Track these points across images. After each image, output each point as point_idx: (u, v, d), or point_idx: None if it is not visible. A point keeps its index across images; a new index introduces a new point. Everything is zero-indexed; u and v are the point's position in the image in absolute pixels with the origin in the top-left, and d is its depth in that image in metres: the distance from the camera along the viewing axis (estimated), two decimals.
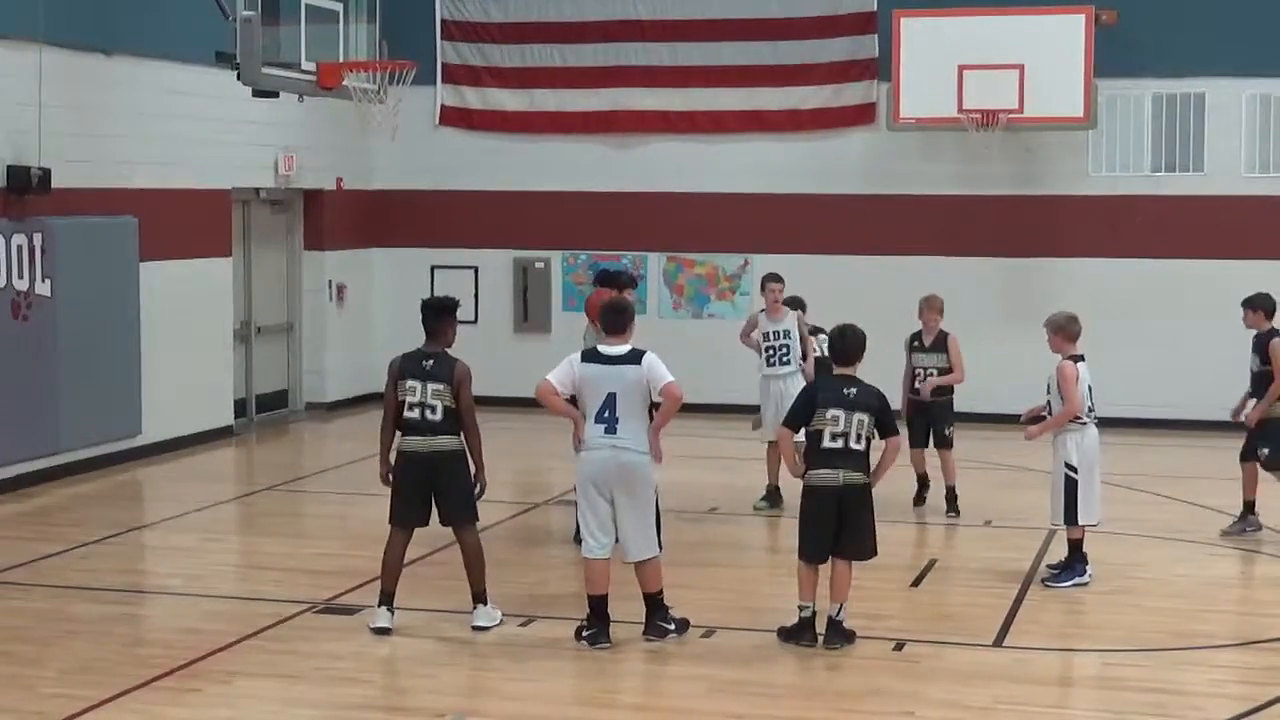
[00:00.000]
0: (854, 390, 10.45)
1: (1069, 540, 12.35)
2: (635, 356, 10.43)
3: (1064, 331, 12.35)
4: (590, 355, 10.59)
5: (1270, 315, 14.06)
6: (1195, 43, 20.11)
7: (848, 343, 10.70)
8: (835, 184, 21.33)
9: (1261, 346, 13.95)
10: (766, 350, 15.09)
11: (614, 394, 10.33)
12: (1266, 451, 13.86)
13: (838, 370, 10.73)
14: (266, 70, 16.11)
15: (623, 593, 10.64)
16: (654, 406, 10.60)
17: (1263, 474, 14.01)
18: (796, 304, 15.22)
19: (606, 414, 10.34)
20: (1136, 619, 11.41)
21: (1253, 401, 14.11)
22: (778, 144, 21.59)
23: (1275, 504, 14.28)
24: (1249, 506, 14.12)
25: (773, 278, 15.23)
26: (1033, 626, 11.21)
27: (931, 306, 15.03)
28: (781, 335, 14.96)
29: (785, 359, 14.89)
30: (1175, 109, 20.54)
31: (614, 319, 10.64)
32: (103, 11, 17.02)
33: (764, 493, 15.10)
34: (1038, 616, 11.49)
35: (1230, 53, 20.04)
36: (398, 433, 10.79)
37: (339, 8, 17.44)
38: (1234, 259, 20.15)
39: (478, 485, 10.85)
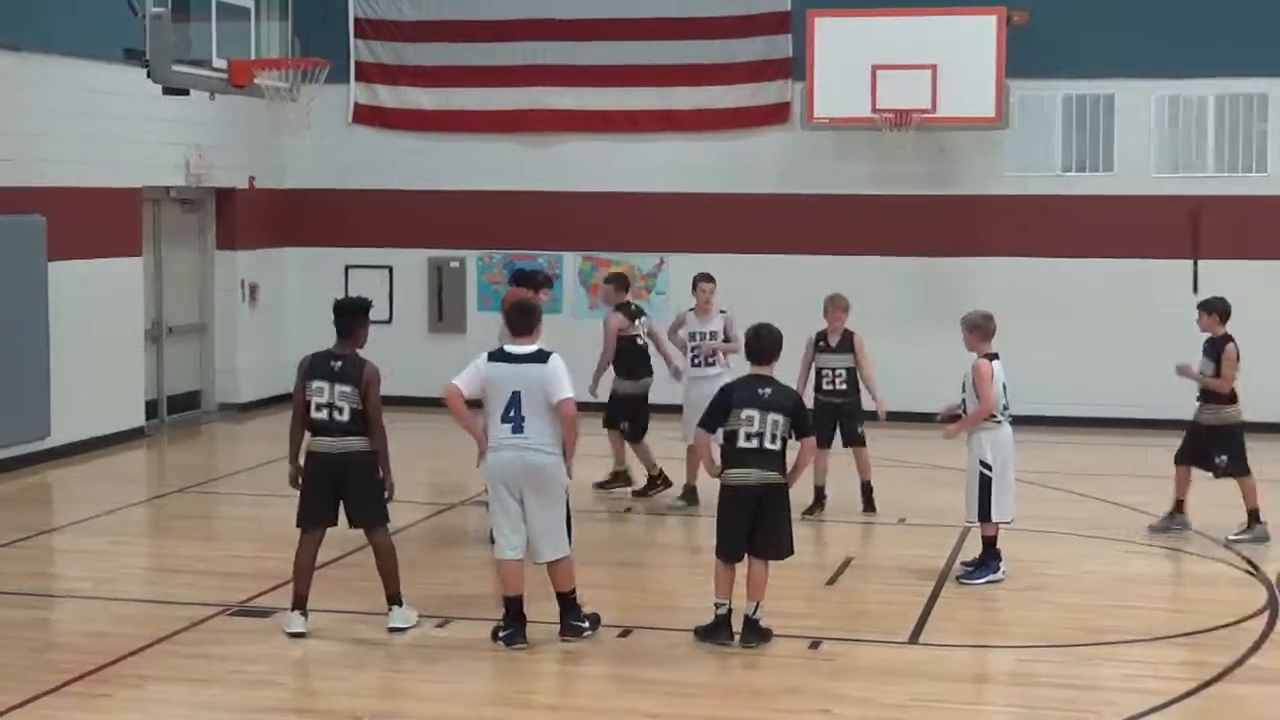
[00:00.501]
0: (769, 390, 10.47)
1: (983, 537, 12.42)
2: (542, 356, 10.42)
3: (979, 330, 12.42)
4: (496, 355, 10.55)
5: (1225, 320, 14.05)
6: (1106, 44, 20.29)
7: (764, 342, 10.72)
8: (750, 183, 21.38)
9: (1215, 351, 13.92)
10: (693, 350, 15.10)
11: (519, 393, 10.29)
12: (1225, 459, 13.88)
13: (753, 370, 10.74)
14: (177, 68, 15.96)
15: (538, 593, 10.60)
16: None
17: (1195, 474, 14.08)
18: (708, 279, 15.30)
19: (512, 413, 10.30)
20: (1050, 615, 11.50)
21: (1200, 405, 14.13)
22: (692, 143, 21.60)
23: (1191, 502, 14.41)
24: (1179, 506, 14.18)
25: (704, 277, 15.26)
26: (948, 624, 11.27)
27: (837, 305, 14.92)
28: (709, 336, 14.95)
29: (710, 360, 14.88)
30: (1086, 109, 20.72)
31: (520, 319, 10.62)
32: (12, 8, 16.77)
33: (681, 491, 15.09)
34: (953, 613, 11.55)
35: (1140, 54, 20.23)
36: (307, 434, 10.70)
37: (250, 5, 17.30)
38: (1143, 258, 20.40)
39: (385, 487, 10.78)
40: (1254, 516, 13.86)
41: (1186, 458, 14.14)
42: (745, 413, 10.40)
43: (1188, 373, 14.06)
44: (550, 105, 21.94)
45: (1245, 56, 19.98)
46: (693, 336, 15.12)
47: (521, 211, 21.97)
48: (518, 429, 10.29)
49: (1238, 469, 13.91)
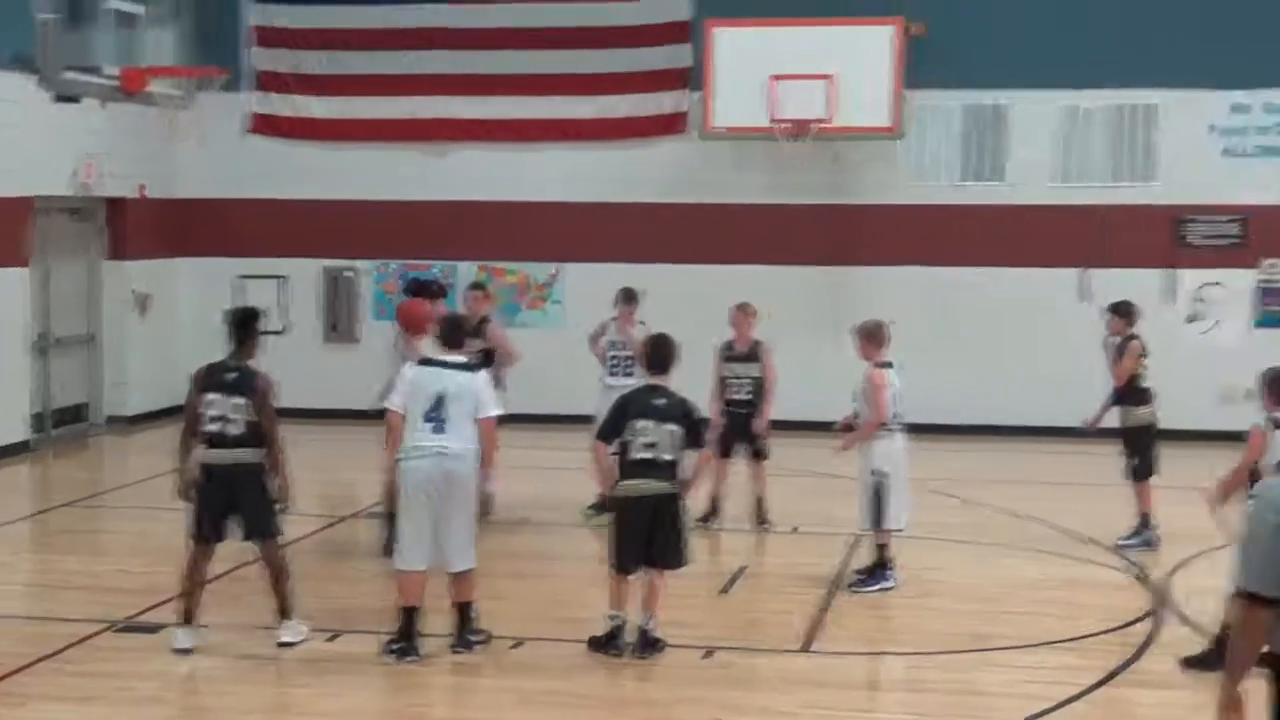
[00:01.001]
0: (664, 401, 10.46)
1: (876, 545, 12.48)
2: (471, 367, 10.57)
3: (872, 339, 12.48)
4: (425, 360, 10.69)
5: (1131, 322, 14.27)
6: (1002, 55, 20.47)
7: (660, 352, 10.72)
8: (647, 193, 21.39)
9: (1118, 349, 14.17)
10: (611, 360, 15.13)
11: (444, 395, 10.30)
12: (1137, 461, 14.01)
13: (649, 380, 10.72)
14: (68, 75, 15.72)
15: (428, 605, 10.51)
16: None
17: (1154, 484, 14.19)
18: (631, 296, 15.24)
19: (435, 413, 10.28)
20: (941, 622, 11.56)
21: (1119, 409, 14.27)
22: (589, 153, 21.58)
23: (1084, 509, 14.55)
24: (1144, 519, 14.18)
25: (630, 296, 15.31)
26: (840, 631, 11.31)
27: (745, 313, 14.94)
28: (628, 346, 14.92)
29: (629, 370, 14.82)
30: (982, 120, 20.90)
31: (452, 333, 10.73)
32: None
33: (594, 499, 14.98)
34: (845, 621, 11.60)
35: (1035, 66, 20.42)
36: (199, 446, 10.57)
37: (143, 11, 17.07)
38: (1039, 266, 20.61)
39: (282, 500, 10.68)
40: (1144, 521, 14.00)
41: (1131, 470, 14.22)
42: (640, 423, 10.38)
43: (1091, 422, 14.25)
44: (447, 114, 21.85)
45: (1138, 68, 20.22)
46: (612, 345, 15.16)
47: (417, 221, 21.86)
48: (439, 429, 10.27)
49: (1140, 472, 14.02)
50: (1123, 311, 14.38)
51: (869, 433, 12.25)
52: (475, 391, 10.39)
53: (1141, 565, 13.29)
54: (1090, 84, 20.45)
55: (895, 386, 12.35)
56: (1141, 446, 14.07)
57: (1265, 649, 5.48)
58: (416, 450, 10.31)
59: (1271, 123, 20.34)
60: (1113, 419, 14.32)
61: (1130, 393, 14.16)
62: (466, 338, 10.93)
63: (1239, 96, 20.34)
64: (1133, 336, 14.22)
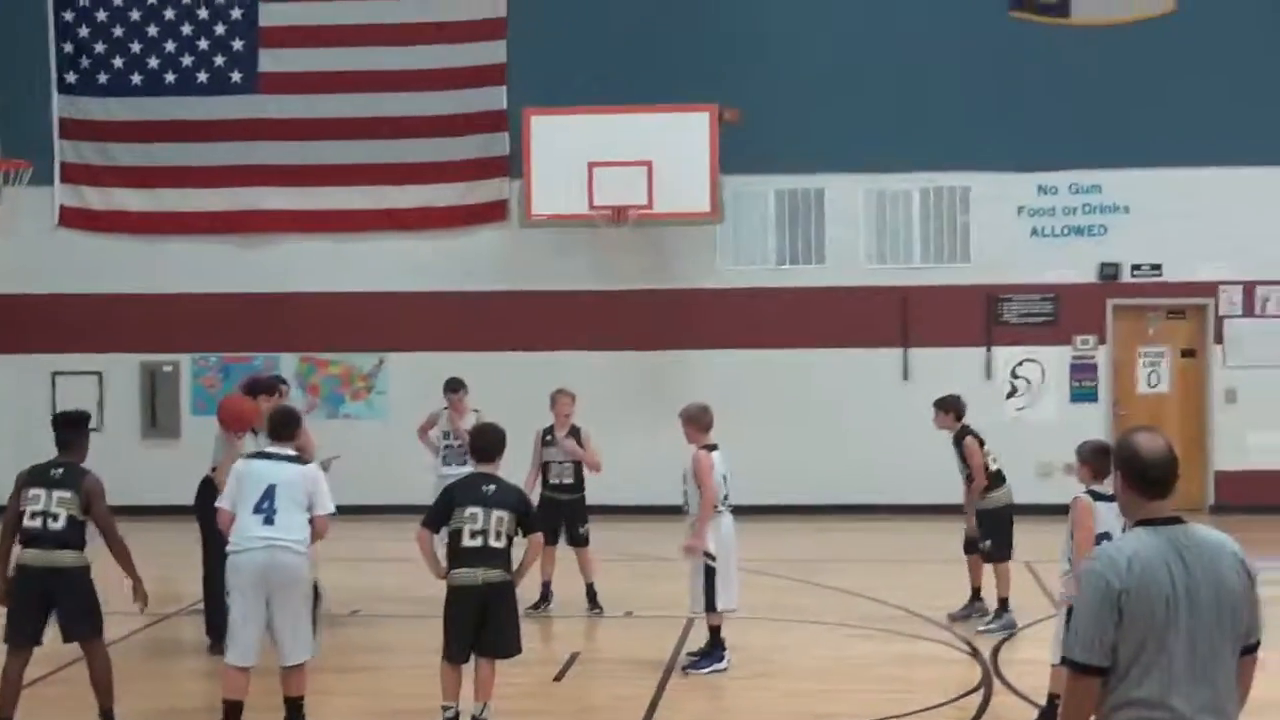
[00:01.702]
0: (493, 487, 10.39)
1: (709, 627, 12.47)
2: (302, 461, 10.51)
3: (697, 422, 12.52)
4: (255, 455, 10.59)
5: (959, 416, 14.23)
6: (815, 140, 20.83)
7: (487, 440, 10.66)
8: (469, 281, 21.35)
9: (959, 448, 14.11)
10: (444, 449, 15.08)
11: (274, 486, 10.17)
12: (989, 543, 13.95)
13: (477, 468, 10.65)
14: None
15: (255, 703, 10.29)
16: None
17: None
18: (459, 385, 15.19)
19: (265, 504, 10.13)
20: (775, 701, 11.57)
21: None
22: (411, 242, 21.52)
23: (913, 584, 14.64)
24: (975, 593, 14.26)
25: (455, 385, 15.19)
26: (675, 714, 11.26)
27: (564, 398, 15.01)
28: (459, 435, 14.81)
29: (463, 459, 14.70)
30: (798, 203, 21.21)
31: (283, 428, 10.60)
32: None
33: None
34: (680, 704, 11.54)
35: (848, 150, 20.80)
36: (16, 546, 10.27)
37: None
38: (857, 347, 20.88)
39: (137, 597, 10.45)
40: (1003, 604, 13.88)
41: (973, 545, 14.22)
42: (469, 510, 10.28)
43: (971, 528, 14.14)
44: (266, 206, 21.66)
45: (948, 151, 20.70)
46: (446, 435, 15.14)
47: (237, 313, 21.59)
48: (269, 520, 10.12)
49: (999, 554, 13.99)
50: (948, 406, 14.35)
51: (706, 517, 12.25)
52: (307, 484, 10.27)
53: (970, 640, 13.43)
54: (902, 167, 20.87)
55: (722, 469, 12.40)
56: (999, 528, 14.01)
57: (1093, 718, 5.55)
58: (247, 542, 10.13)
59: (1078, 203, 20.91)
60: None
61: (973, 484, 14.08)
62: (298, 430, 10.77)
63: (1045, 178, 20.88)
64: (965, 430, 14.19)
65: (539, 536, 10.69)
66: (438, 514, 10.45)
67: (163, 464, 20.49)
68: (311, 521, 10.27)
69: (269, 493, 10.16)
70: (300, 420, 10.92)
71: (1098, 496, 10.25)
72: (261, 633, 10.18)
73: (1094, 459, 10.51)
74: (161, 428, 21.71)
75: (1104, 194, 20.86)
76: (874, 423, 20.43)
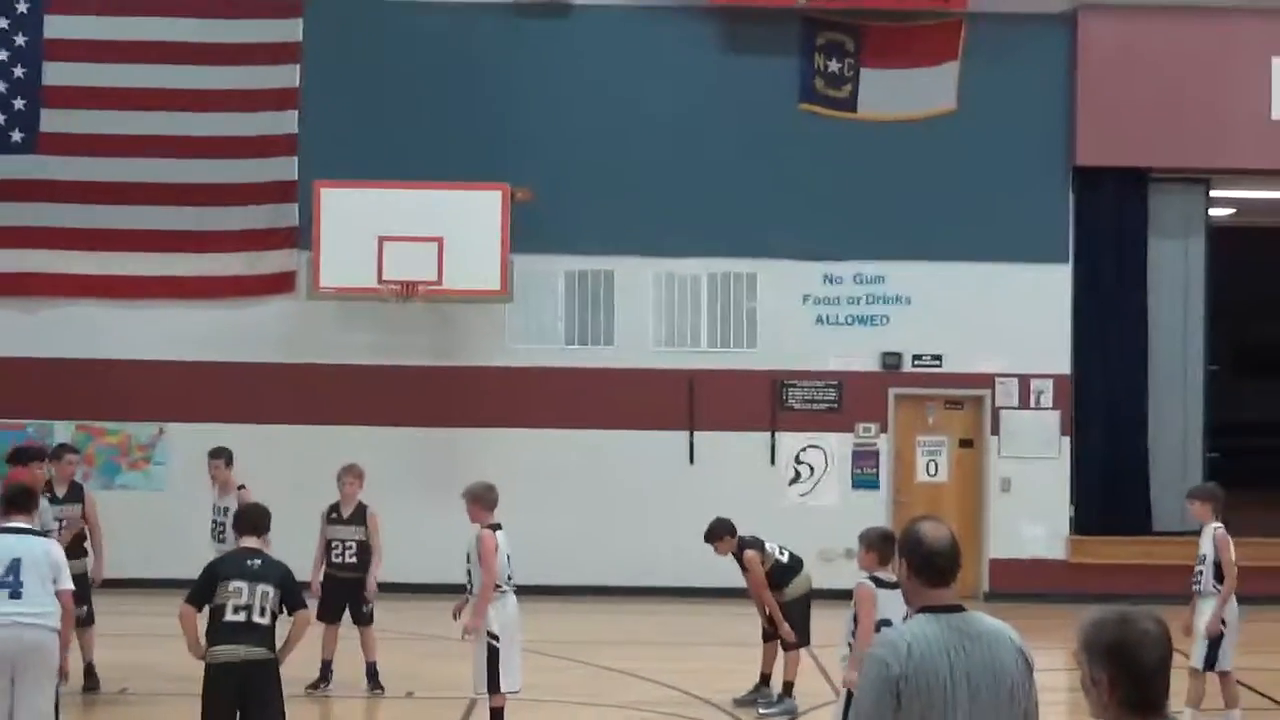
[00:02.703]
0: (258, 562, 10.19)
1: (491, 708, 12.36)
2: (44, 535, 10.31)
3: (481, 500, 12.48)
4: None
5: (732, 536, 14.14)
6: (606, 222, 20.97)
7: (252, 516, 10.52)
8: (254, 352, 21.01)
9: (740, 565, 14.09)
10: (215, 525, 14.75)
11: (19, 560, 9.91)
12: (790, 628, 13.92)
13: (242, 542, 10.45)
14: None
15: None
16: None
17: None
18: (218, 453, 14.95)
19: (10, 579, 9.84)
20: None
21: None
22: (195, 310, 21.10)
23: (695, 667, 14.67)
24: (765, 679, 14.23)
25: (217, 453, 14.95)
26: None
27: (350, 475, 14.86)
28: (226, 512, 14.49)
29: (221, 538, 14.45)
30: (587, 284, 21.31)
31: (23, 499, 10.34)
32: None
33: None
34: None
35: (637, 234, 20.97)
36: None
37: None
38: (643, 429, 20.97)
39: None
40: (788, 688, 13.92)
41: (771, 635, 14.17)
42: (233, 584, 10.04)
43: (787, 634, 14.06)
44: (46, 269, 21.06)
45: (737, 238, 21.00)
46: (214, 510, 14.87)
47: (11, 378, 20.91)
48: (15, 595, 9.83)
49: (797, 641, 13.99)
50: (716, 535, 14.23)
51: (487, 596, 12.17)
52: (50, 558, 10.04)
53: None
54: (691, 252, 21.10)
55: (506, 548, 12.35)
56: (799, 616, 13.99)
57: None
58: None
59: (862, 293, 21.32)
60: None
61: (779, 575, 14.06)
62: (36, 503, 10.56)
63: (831, 268, 21.27)
64: (744, 544, 14.12)
65: (307, 613, 10.51)
66: (201, 589, 10.16)
67: None
68: (58, 595, 10.00)
69: (14, 566, 9.91)
70: (38, 495, 10.67)
71: (880, 583, 10.41)
72: (5, 713, 9.83)
73: (878, 545, 10.69)
74: None
75: (887, 285, 21.29)
76: (660, 505, 20.52)
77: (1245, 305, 28.78)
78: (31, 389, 20.90)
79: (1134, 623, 4.90)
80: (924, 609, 5.78)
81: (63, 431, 20.69)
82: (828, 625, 10.82)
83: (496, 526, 12.39)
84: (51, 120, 21.24)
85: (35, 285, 21.11)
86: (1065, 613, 18.38)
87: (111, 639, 15.14)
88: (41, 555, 10.00)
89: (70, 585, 10.13)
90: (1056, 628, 16.60)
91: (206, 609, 10.14)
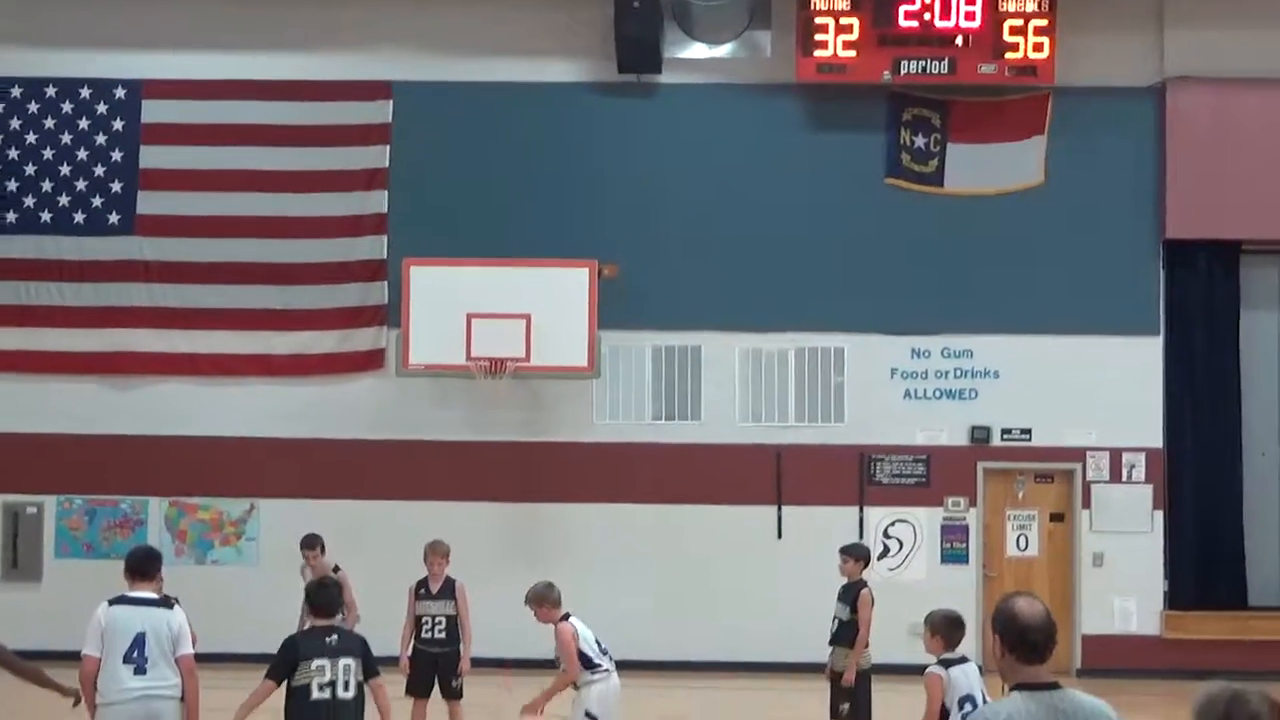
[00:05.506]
0: (335, 637, 10.19)
1: None
2: (166, 603, 10.30)
3: (546, 600, 12.48)
4: (117, 600, 10.28)
5: (865, 564, 14.20)
6: (692, 298, 21.04)
7: (321, 596, 10.53)
8: (343, 429, 21.18)
9: (851, 595, 13.99)
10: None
11: (143, 634, 10.01)
12: (846, 707, 13.81)
13: (316, 623, 10.43)
14: None
15: None
16: None
17: None
18: (313, 542, 15.16)
19: (135, 654, 9.97)
20: None
21: (833, 650, 14.12)
22: (286, 388, 21.32)
23: None
24: None
25: (309, 543, 15.17)
26: None
27: (436, 552, 14.88)
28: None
29: None
30: (674, 359, 21.34)
31: (147, 566, 10.48)
32: None
33: None
34: None
35: (724, 309, 21.03)
36: None
37: None
38: (730, 504, 20.92)
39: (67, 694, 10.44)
40: None
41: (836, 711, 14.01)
42: (316, 663, 10.01)
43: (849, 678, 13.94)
44: (138, 347, 21.38)
45: (823, 312, 21.00)
46: None
47: (104, 455, 21.20)
48: (140, 670, 9.96)
49: (855, 717, 13.89)
50: (859, 554, 14.29)
51: (561, 688, 12.19)
52: (172, 628, 10.11)
53: None
54: (777, 327, 21.12)
55: (585, 633, 12.31)
56: (858, 692, 13.88)
57: None
58: (120, 694, 9.89)
59: (950, 367, 21.24)
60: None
61: (858, 636, 13.93)
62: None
63: (918, 342, 21.21)
64: (864, 583, 14.06)
65: (381, 680, 10.45)
66: (281, 665, 10.12)
67: (25, 607, 19.97)
68: (178, 662, 10.08)
69: (139, 641, 10.00)
70: (161, 559, 10.79)
71: (949, 664, 10.35)
72: None
73: (943, 629, 10.62)
74: (24, 569, 21.20)
75: (975, 359, 21.21)
76: (747, 581, 20.44)
77: None
78: (126, 466, 21.17)
79: (1245, 701, 4.87)
80: (1019, 686, 5.74)
81: (156, 508, 20.95)
82: (914, 702, 10.71)
83: (566, 616, 12.38)
84: (147, 202, 21.61)
85: (130, 364, 21.40)
86: (1160, 689, 18.24)
87: (209, 714, 15.21)
88: (163, 626, 10.13)
89: (189, 650, 10.20)
90: (1152, 704, 16.46)
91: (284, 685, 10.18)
